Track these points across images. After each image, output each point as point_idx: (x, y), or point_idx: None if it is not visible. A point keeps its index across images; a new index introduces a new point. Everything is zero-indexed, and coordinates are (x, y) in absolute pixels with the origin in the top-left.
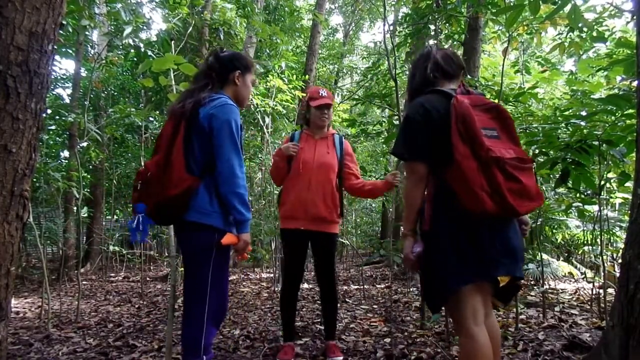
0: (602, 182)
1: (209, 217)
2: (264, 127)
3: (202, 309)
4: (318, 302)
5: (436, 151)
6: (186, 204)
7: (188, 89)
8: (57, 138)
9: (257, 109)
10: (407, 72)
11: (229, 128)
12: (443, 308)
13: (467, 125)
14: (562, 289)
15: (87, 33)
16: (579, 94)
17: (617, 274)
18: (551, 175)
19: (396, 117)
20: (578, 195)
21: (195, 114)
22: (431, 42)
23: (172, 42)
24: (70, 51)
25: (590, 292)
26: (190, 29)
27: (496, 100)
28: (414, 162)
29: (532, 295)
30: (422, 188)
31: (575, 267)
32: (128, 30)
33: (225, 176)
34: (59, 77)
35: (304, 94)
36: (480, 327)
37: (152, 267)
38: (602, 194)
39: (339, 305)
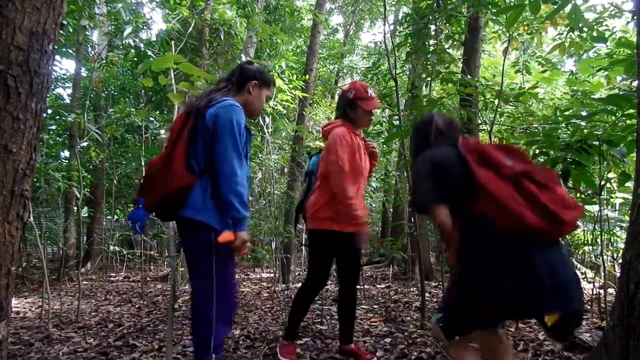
0: (603, 182)
1: (201, 213)
2: (264, 127)
3: (209, 309)
4: (319, 302)
5: (457, 191)
6: (182, 200)
7: (207, 90)
8: (58, 138)
9: None
10: (408, 72)
11: (231, 128)
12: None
13: (482, 153)
14: None
15: (87, 33)
16: (579, 94)
17: (618, 274)
18: None
19: (396, 117)
20: (578, 195)
21: (204, 112)
22: (432, 42)
23: (172, 42)
24: (71, 51)
25: (591, 292)
26: (191, 29)
27: (496, 101)
28: (434, 206)
29: None
30: (451, 226)
31: (576, 267)
32: (128, 30)
33: (225, 175)
34: (59, 77)
35: (305, 94)
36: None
37: (152, 267)
38: (603, 193)
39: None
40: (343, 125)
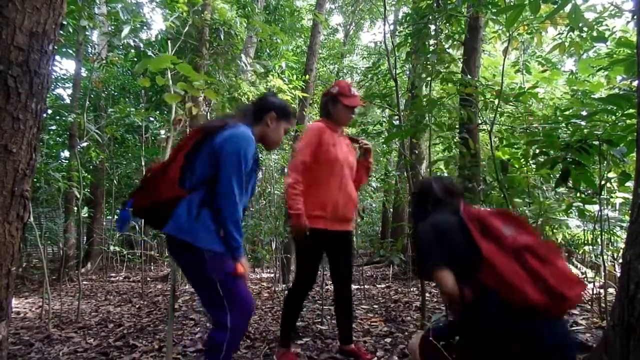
0: (603, 182)
1: (185, 233)
2: None
3: (222, 317)
4: (319, 302)
5: (460, 258)
6: (167, 213)
7: (227, 115)
8: (58, 138)
9: None
10: (408, 72)
11: (237, 157)
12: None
13: (484, 223)
14: None
15: (87, 33)
16: (580, 93)
17: (618, 274)
18: (551, 175)
19: (396, 117)
20: (578, 194)
21: (215, 134)
22: (432, 41)
23: (169, 41)
24: (71, 51)
25: (591, 292)
26: (187, 28)
27: (496, 101)
28: (437, 271)
29: None
30: (457, 291)
31: (576, 266)
32: (126, 30)
33: (224, 202)
34: (59, 77)
35: (305, 94)
36: None
37: (152, 267)
38: (603, 193)
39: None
40: (319, 122)
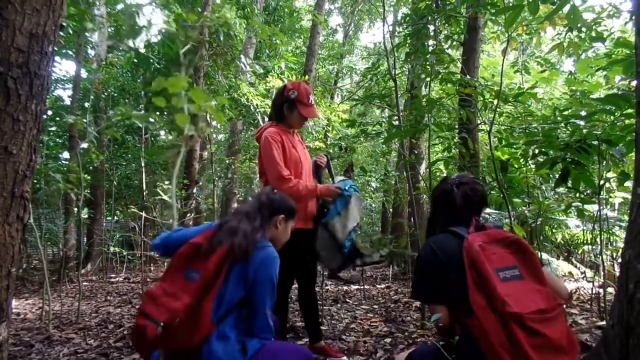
0: (602, 182)
1: None
2: None
3: None
4: (319, 302)
5: (454, 296)
6: (199, 351)
7: (240, 224)
8: (58, 139)
9: (257, 110)
10: (407, 73)
11: (272, 281)
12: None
13: (479, 271)
14: None
15: (87, 34)
16: (578, 93)
17: (617, 273)
18: (551, 175)
19: (396, 117)
20: (578, 194)
21: (247, 257)
22: (431, 42)
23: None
24: (71, 52)
25: (590, 292)
26: (179, 43)
27: (495, 101)
28: (431, 304)
29: None
30: (447, 324)
31: (575, 266)
32: (143, 35)
33: (259, 325)
34: (59, 79)
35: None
36: None
37: (152, 268)
38: (602, 193)
39: (340, 305)
40: (272, 127)
